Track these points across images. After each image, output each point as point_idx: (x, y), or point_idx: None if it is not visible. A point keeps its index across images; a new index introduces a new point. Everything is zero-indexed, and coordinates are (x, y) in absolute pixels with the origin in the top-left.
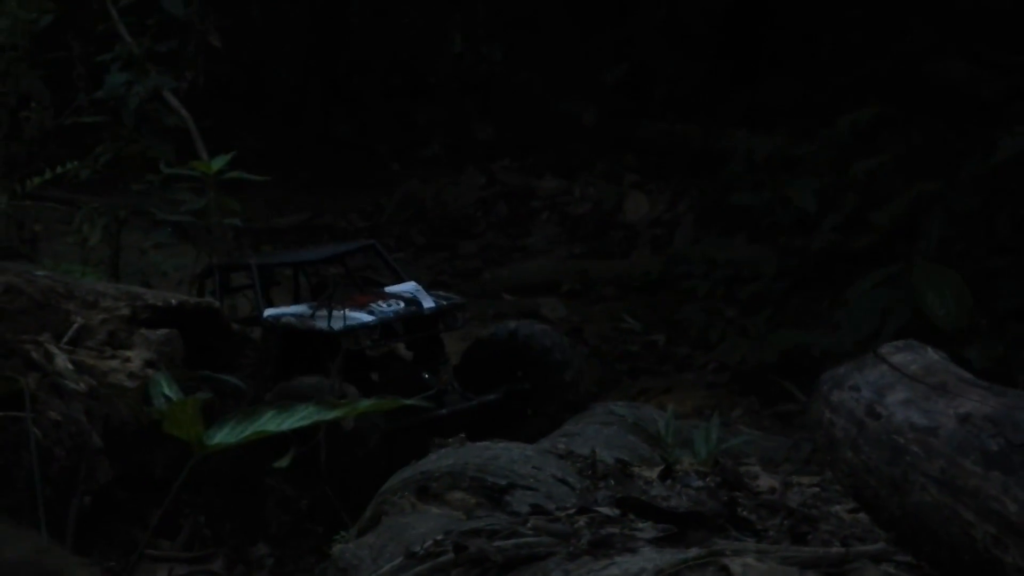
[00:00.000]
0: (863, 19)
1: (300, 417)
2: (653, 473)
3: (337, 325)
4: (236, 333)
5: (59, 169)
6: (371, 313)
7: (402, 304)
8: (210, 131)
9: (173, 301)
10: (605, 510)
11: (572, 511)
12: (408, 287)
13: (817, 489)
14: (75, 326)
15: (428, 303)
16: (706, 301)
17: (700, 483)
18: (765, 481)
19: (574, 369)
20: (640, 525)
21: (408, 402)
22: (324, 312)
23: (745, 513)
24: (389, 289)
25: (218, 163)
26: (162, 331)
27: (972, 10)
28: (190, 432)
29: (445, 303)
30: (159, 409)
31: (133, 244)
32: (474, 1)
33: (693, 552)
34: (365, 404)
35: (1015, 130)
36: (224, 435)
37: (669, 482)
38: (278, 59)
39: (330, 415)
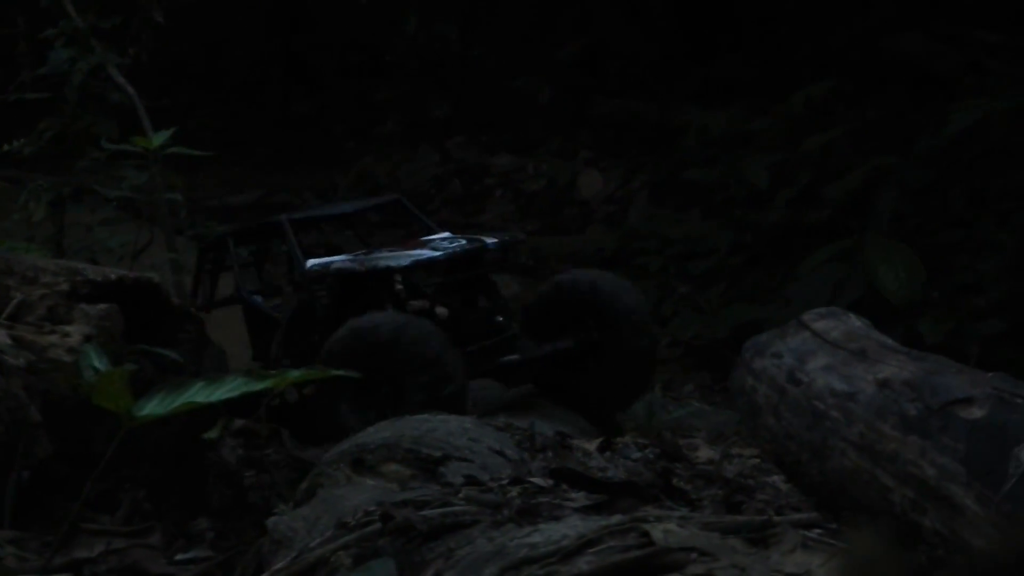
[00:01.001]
0: None
1: (229, 388)
2: (592, 446)
3: (403, 262)
4: (177, 308)
5: (4, 147)
6: (435, 250)
7: (464, 241)
8: (166, 111)
9: (112, 276)
10: (538, 481)
11: (505, 482)
12: (443, 236)
13: (757, 460)
14: (14, 302)
15: (491, 240)
16: (659, 277)
17: (639, 454)
18: (705, 453)
19: (650, 335)
20: (572, 495)
21: (337, 373)
22: (382, 254)
23: (681, 484)
24: (434, 237)
25: (159, 138)
26: (101, 306)
27: None
28: (119, 403)
29: (508, 239)
30: (88, 382)
31: (78, 221)
32: None
33: (616, 519)
34: (296, 374)
35: (968, 103)
36: (153, 407)
37: (608, 454)
38: (236, 39)
39: (259, 386)
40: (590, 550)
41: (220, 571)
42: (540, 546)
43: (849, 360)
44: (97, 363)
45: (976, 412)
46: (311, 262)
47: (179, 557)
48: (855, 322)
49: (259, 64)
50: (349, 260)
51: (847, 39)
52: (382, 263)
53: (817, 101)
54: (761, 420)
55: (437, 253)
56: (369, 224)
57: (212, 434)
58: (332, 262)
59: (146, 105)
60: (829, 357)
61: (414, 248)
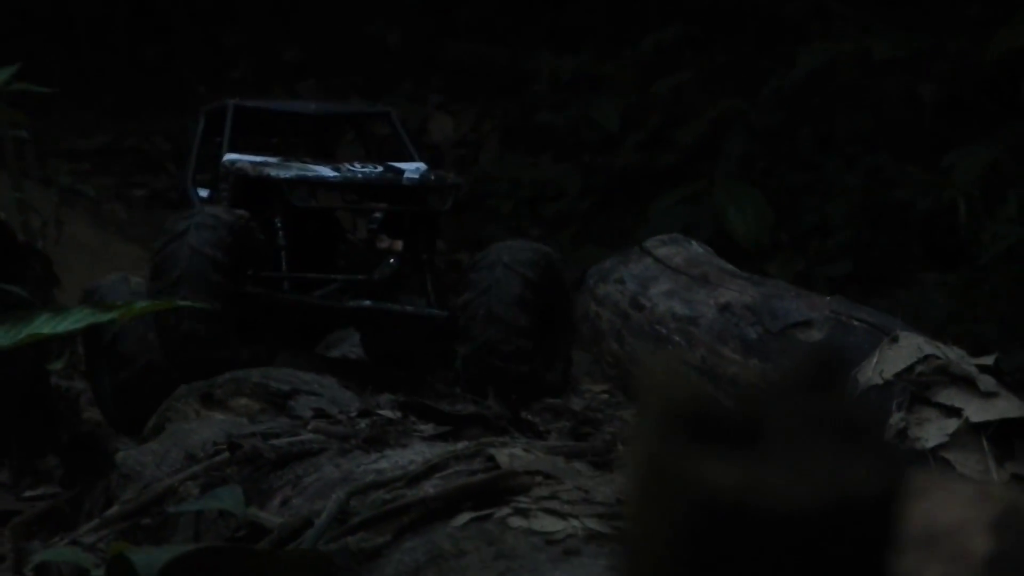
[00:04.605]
0: None
1: (75, 319)
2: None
3: (282, 174)
4: (23, 246)
5: None
6: (336, 170)
7: (380, 169)
8: (9, 54)
9: None
10: (387, 413)
11: (354, 414)
12: (416, 166)
13: (606, 396)
14: None
15: (411, 175)
16: (510, 220)
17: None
18: None
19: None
20: (420, 427)
21: (183, 304)
22: (288, 162)
23: (529, 417)
24: (395, 163)
25: (2, 74)
26: None
27: None
28: None
29: (432, 178)
30: None
31: None
32: None
33: (462, 445)
34: (141, 305)
35: (814, 47)
36: None
37: (458, 389)
38: None
39: (105, 317)
40: (437, 474)
41: (69, 507)
42: (387, 471)
43: (691, 285)
44: None
45: (815, 335)
46: (228, 156)
47: (27, 494)
48: (697, 248)
49: (106, 10)
50: (257, 163)
51: None
52: (270, 171)
53: (666, 46)
54: (605, 345)
55: (333, 174)
56: (347, 130)
57: (56, 365)
58: (241, 160)
59: None
60: (671, 282)
61: (339, 163)
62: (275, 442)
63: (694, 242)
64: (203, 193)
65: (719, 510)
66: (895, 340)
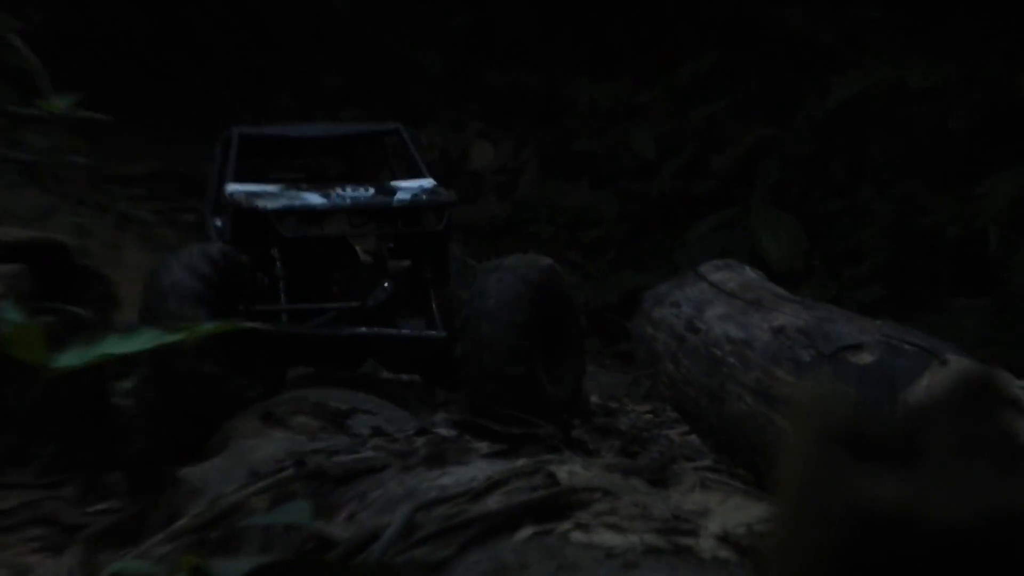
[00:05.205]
0: None
1: (144, 340)
2: None
3: (269, 205)
4: (85, 269)
5: None
6: (325, 197)
7: (371, 191)
8: (59, 81)
9: (22, 238)
10: (443, 431)
11: (411, 432)
12: (418, 184)
13: (650, 416)
14: None
15: (401, 196)
16: (550, 245)
17: None
18: (600, 411)
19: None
20: (476, 444)
21: (250, 325)
22: (277, 191)
23: (580, 435)
24: (397, 182)
25: (64, 102)
26: (11, 266)
27: None
28: (36, 356)
29: (424, 199)
30: (5, 334)
31: None
32: None
33: (523, 462)
34: (207, 327)
35: (848, 76)
36: (70, 358)
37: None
38: (135, 16)
39: (173, 338)
40: (498, 490)
41: (133, 521)
42: (450, 488)
43: (745, 309)
44: (13, 316)
45: (866, 358)
46: (228, 187)
47: (93, 508)
48: (750, 274)
49: (158, 41)
50: (249, 193)
51: (730, 12)
52: (258, 203)
53: (702, 74)
54: (661, 367)
55: (321, 201)
56: (361, 151)
57: (125, 384)
58: (235, 192)
59: (47, 72)
60: (726, 306)
61: (331, 188)
62: (339, 459)
63: (747, 268)
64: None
65: (880, 522)
66: (944, 363)
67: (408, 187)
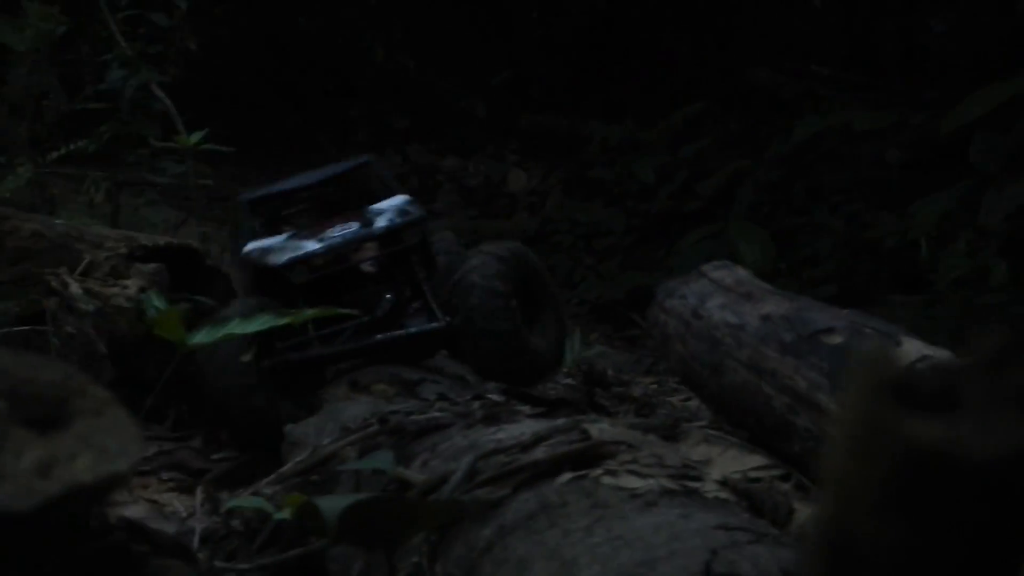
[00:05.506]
0: (693, 34)
1: (260, 323)
2: None
3: (278, 260)
4: (210, 267)
5: (72, 146)
6: (321, 241)
7: (355, 226)
8: (190, 121)
9: (161, 242)
10: (494, 397)
11: (469, 398)
12: (393, 203)
13: (656, 386)
14: (85, 261)
15: (380, 223)
16: (570, 251)
17: (568, 380)
18: (615, 381)
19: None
20: (521, 407)
21: (343, 311)
22: (283, 244)
23: (601, 401)
24: (376, 206)
25: (195, 137)
26: (152, 265)
27: (778, 31)
28: (175, 334)
29: (399, 221)
30: (151, 318)
31: (129, 203)
32: (391, 21)
33: (562, 421)
34: (310, 313)
35: (807, 121)
36: (201, 336)
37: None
38: (240, 67)
39: (282, 321)
40: (543, 443)
41: (246, 468)
42: (504, 441)
43: (739, 300)
44: (158, 304)
45: (836, 339)
46: (245, 248)
47: (214, 456)
48: (742, 272)
49: (258, 88)
50: (262, 249)
51: (715, 71)
52: (268, 259)
53: (692, 118)
54: (671, 347)
55: (317, 246)
56: (343, 189)
57: (245, 357)
58: (251, 251)
59: (180, 114)
60: (723, 298)
61: (322, 230)
62: (414, 418)
63: (739, 267)
64: None
65: (925, 459)
66: (899, 344)
67: (385, 208)
